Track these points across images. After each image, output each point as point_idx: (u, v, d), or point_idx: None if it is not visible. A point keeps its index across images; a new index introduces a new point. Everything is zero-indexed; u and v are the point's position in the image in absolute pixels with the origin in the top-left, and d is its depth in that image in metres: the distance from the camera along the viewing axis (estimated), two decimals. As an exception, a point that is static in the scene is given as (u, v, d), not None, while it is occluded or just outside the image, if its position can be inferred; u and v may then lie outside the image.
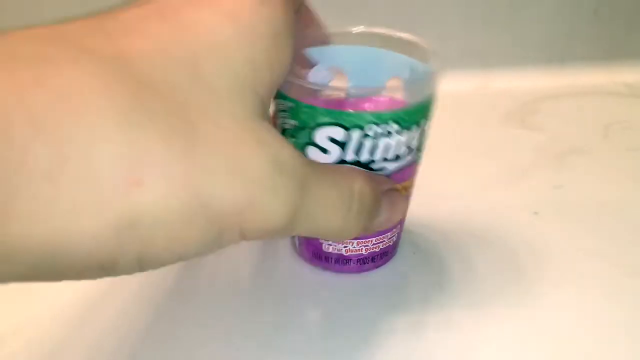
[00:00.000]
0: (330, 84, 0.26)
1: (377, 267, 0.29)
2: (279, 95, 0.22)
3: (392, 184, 0.23)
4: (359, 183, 0.20)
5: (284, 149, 0.17)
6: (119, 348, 0.25)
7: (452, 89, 0.44)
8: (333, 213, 0.19)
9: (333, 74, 0.26)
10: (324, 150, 0.22)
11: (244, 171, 0.15)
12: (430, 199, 0.34)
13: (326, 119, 0.21)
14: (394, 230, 0.28)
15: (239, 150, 0.16)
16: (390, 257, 0.29)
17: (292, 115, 0.22)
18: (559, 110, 0.43)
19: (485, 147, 0.39)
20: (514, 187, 0.35)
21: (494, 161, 0.38)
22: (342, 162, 0.23)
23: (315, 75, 0.25)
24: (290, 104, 0.22)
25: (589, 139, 0.39)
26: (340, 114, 0.21)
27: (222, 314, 0.27)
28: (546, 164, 0.37)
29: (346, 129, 0.21)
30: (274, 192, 0.16)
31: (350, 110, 0.21)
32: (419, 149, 0.24)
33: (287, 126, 0.23)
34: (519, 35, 0.45)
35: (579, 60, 0.46)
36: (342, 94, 0.22)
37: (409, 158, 0.24)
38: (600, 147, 0.39)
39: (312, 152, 0.23)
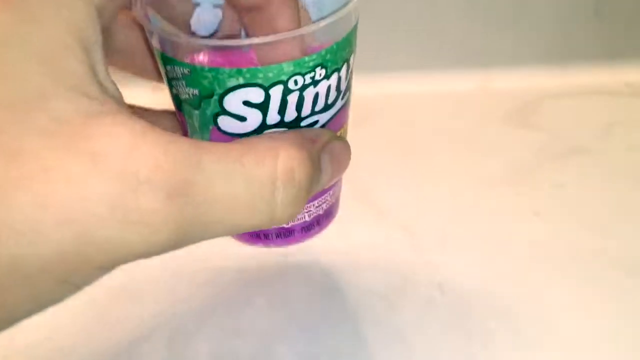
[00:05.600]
0: (220, 26, 0.21)
1: (322, 229, 0.24)
2: (165, 60, 0.18)
3: (330, 134, 0.19)
4: (283, 158, 0.15)
5: (138, 155, 0.13)
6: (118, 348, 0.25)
7: (452, 89, 0.44)
8: (247, 211, 0.15)
9: (222, 9, 0.21)
10: (240, 118, 0.18)
11: (74, 212, 0.12)
12: (431, 199, 0.34)
13: (237, 81, 0.17)
14: (337, 183, 0.23)
15: (57, 182, 0.12)
16: (335, 214, 0.24)
17: (189, 82, 0.18)
18: (560, 110, 0.43)
19: (485, 147, 0.39)
20: (515, 187, 0.35)
21: (494, 161, 0.37)
22: (263, 126, 0.18)
23: (199, 19, 0.20)
24: (183, 70, 0.17)
25: (590, 138, 0.39)
26: (254, 72, 0.17)
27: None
28: (547, 164, 0.37)
29: (264, 87, 0.17)
30: (131, 225, 0.12)
31: (265, 65, 0.17)
32: (348, 88, 0.20)
33: (184, 96, 0.18)
34: (520, 34, 0.45)
35: (579, 60, 0.46)
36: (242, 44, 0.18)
37: (341, 102, 0.20)
38: (602, 146, 0.39)
39: (225, 123, 0.18)
